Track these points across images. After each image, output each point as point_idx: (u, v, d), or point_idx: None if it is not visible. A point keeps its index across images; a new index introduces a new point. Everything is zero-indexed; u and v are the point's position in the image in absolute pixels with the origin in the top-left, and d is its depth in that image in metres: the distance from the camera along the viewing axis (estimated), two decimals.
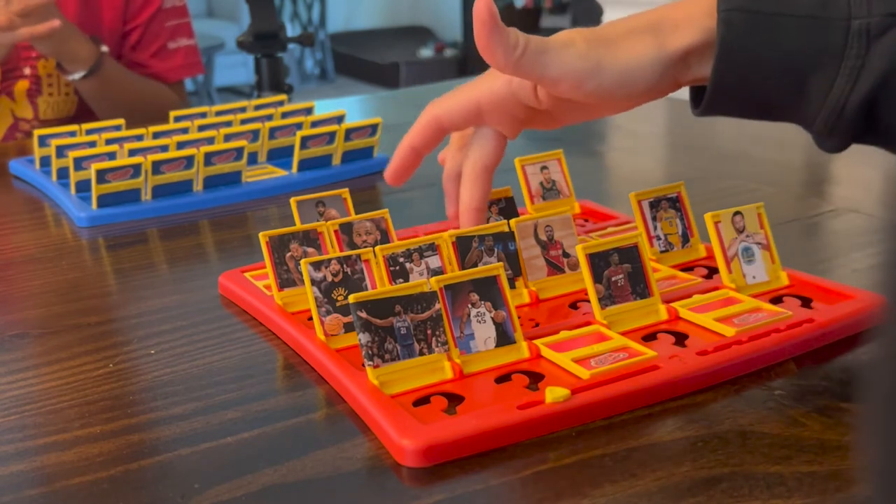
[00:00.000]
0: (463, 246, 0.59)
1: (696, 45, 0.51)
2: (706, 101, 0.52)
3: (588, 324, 0.55)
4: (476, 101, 0.57)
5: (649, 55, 0.52)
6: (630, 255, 0.55)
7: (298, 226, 0.61)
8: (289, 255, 0.60)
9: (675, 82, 0.53)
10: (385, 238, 0.63)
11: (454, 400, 0.48)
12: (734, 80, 0.50)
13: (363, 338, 0.48)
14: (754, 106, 0.52)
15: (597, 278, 0.54)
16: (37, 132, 0.96)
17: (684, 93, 0.57)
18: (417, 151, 0.60)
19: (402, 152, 0.60)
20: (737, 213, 0.59)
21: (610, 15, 2.59)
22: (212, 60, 4.53)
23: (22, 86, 1.32)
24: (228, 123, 1.00)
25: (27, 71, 1.32)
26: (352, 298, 0.48)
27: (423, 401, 0.48)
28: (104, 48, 1.26)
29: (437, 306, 0.50)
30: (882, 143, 0.52)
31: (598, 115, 0.58)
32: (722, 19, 0.49)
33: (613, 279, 0.55)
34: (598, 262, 0.54)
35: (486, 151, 0.58)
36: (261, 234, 0.60)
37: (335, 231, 0.62)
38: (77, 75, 1.25)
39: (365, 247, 0.61)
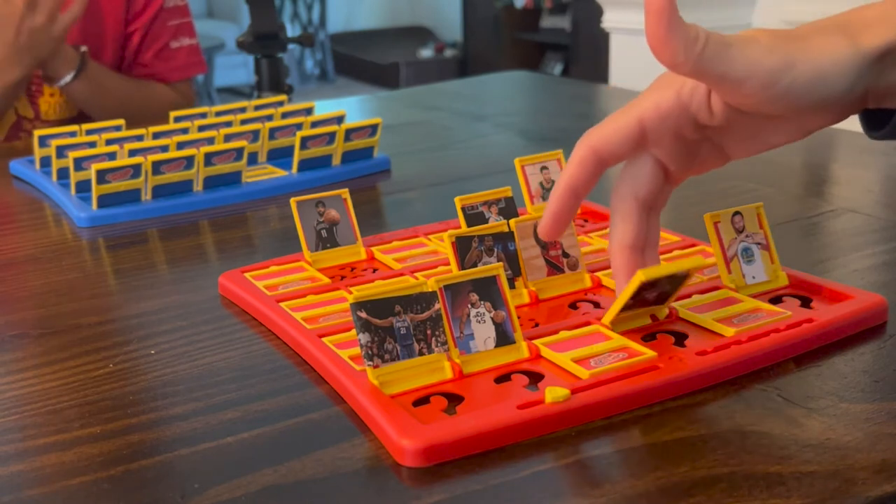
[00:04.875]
0: (462, 246, 0.59)
1: (895, 45, 0.46)
2: None
3: (588, 324, 0.55)
4: (638, 119, 0.50)
5: (844, 52, 0.46)
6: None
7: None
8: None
9: (864, 93, 0.47)
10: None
11: (454, 400, 0.48)
12: None
13: (363, 338, 0.48)
14: None
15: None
16: (37, 132, 0.95)
17: None
18: (576, 193, 0.51)
19: (560, 196, 0.51)
20: (736, 213, 0.59)
21: (610, 15, 2.58)
22: (212, 61, 4.53)
23: None
24: (228, 124, 1.00)
25: None
26: (351, 299, 0.48)
27: (422, 401, 0.48)
28: (83, 48, 1.27)
29: (437, 306, 0.50)
30: None
31: (772, 142, 0.51)
32: None
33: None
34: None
35: (638, 181, 0.51)
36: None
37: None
38: (65, 80, 1.24)
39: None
